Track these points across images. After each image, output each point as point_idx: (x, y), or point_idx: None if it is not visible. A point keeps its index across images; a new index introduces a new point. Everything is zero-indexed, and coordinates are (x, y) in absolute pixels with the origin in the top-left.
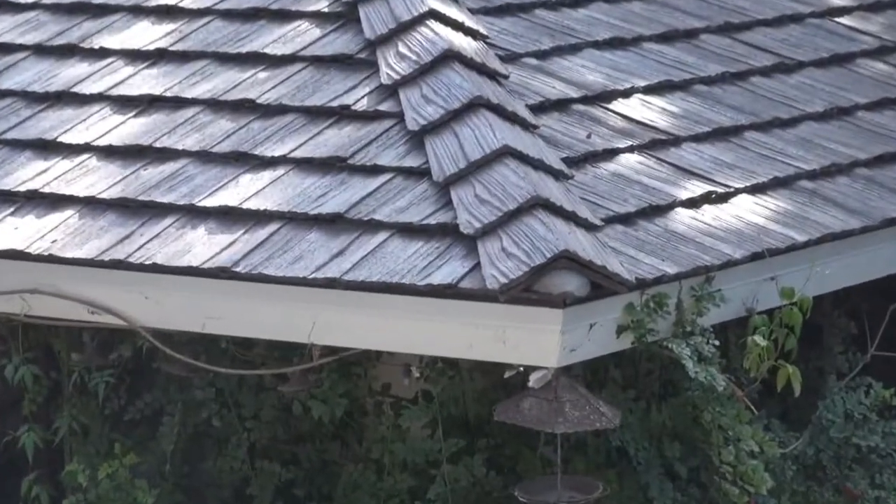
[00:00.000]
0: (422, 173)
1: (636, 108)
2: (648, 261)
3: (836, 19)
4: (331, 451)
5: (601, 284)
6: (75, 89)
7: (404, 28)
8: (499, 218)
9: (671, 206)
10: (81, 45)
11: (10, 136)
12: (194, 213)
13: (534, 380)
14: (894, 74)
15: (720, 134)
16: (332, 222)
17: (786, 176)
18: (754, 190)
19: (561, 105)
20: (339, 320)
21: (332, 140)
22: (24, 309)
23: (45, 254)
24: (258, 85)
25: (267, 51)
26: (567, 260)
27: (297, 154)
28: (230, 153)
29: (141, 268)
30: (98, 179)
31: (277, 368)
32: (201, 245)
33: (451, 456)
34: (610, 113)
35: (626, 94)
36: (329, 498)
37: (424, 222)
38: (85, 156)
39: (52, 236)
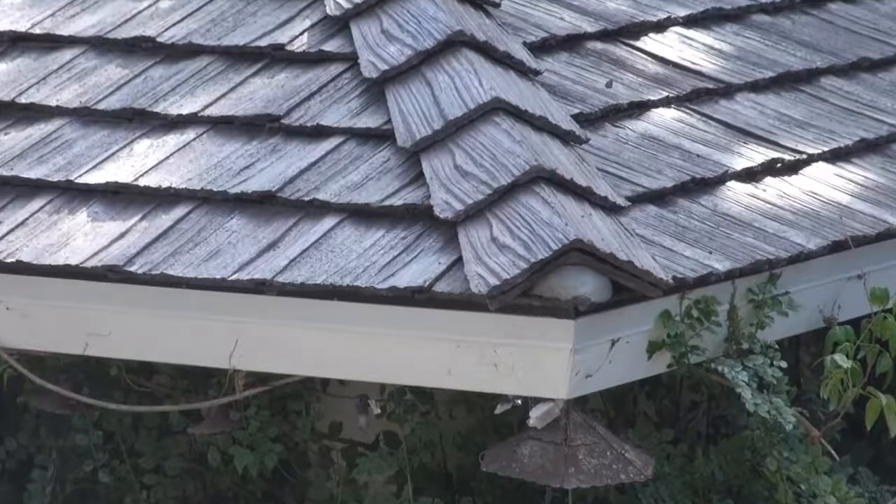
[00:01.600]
0: (382, 137)
1: (673, 45)
2: (691, 254)
3: None
4: None
5: (627, 286)
6: None
7: None
8: (487, 197)
9: (721, 180)
10: None
11: None
12: (73, 193)
13: (536, 416)
14: None
15: (788, 81)
16: (261, 204)
17: (877, 137)
18: (835, 157)
19: (572, 42)
20: (270, 337)
21: (260, 92)
22: None
23: None
24: (159, 18)
25: None
26: (580, 253)
27: (213, 111)
28: (122, 111)
29: (1, 267)
30: None
31: (187, 404)
32: (83, 236)
33: None
34: (638, 53)
35: (660, 27)
36: None
37: (386, 203)
38: None
39: None
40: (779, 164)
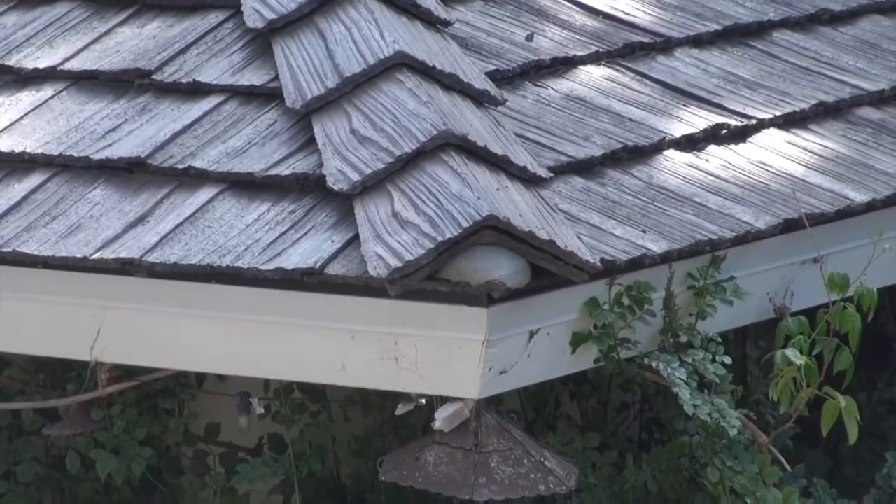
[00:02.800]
0: (268, 96)
1: None
2: (622, 233)
3: None
4: None
5: (548, 270)
6: None
7: None
8: (388, 166)
9: (658, 148)
10: None
11: None
12: None
13: (442, 418)
14: None
15: (735, 35)
16: (129, 172)
17: (837, 101)
18: (788, 122)
19: None
20: (138, 326)
21: (128, 43)
22: None
23: None
24: None
25: None
26: (494, 231)
27: (75, 65)
28: None
29: None
30: None
31: (43, 401)
32: None
33: None
34: (563, 2)
35: None
36: None
37: (272, 172)
38: None
39: None
40: (724, 131)
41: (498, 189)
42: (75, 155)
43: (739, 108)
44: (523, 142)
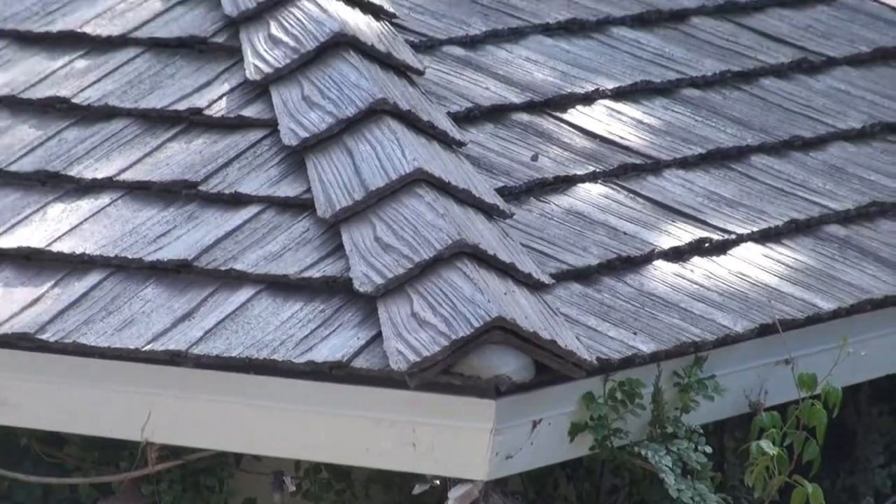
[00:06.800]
0: (302, 206)
1: (601, 119)
2: (615, 334)
3: None
4: None
5: (550, 366)
6: None
7: (279, 1)
8: (408, 271)
9: (648, 259)
10: None
11: None
12: None
13: (454, 498)
14: None
15: (717, 158)
16: (177, 273)
17: (808, 218)
18: (764, 237)
19: (497, 114)
20: (185, 410)
21: (177, 158)
22: None
23: None
24: (74, 78)
25: (87, 30)
26: (502, 332)
27: (129, 176)
28: (34, 173)
29: None
30: None
31: (98, 476)
32: None
33: None
34: (565, 126)
35: (588, 99)
36: None
37: (305, 275)
38: None
39: None
40: (707, 244)
41: (506, 293)
42: (129, 257)
43: (721, 224)
44: (528, 251)
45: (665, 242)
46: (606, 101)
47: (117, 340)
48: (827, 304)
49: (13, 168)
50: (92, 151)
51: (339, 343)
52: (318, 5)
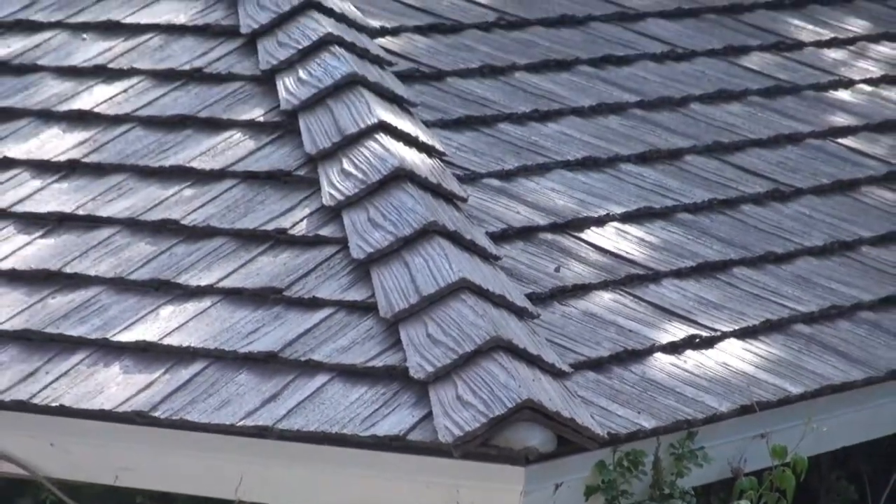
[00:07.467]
0: (367, 308)
1: (611, 238)
2: (622, 413)
3: (840, 140)
4: None
5: (569, 439)
6: None
7: (350, 142)
8: (454, 361)
9: (649, 352)
10: None
11: None
12: (108, 349)
13: None
14: None
15: (706, 270)
16: (265, 362)
17: (779, 319)
18: (743, 334)
19: (526, 233)
20: (270, 474)
21: (265, 268)
22: None
23: None
24: (183, 204)
25: (193, 165)
26: (531, 411)
27: (226, 283)
28: (150, 281)
29: (46, 410)
30: None
31: None
32: (115, 385)
33: None
34: (582, 243)
35: (601, 221)
36: None
37: (369, 364)
38: None
39: None
40: (697, 340)
41: (534, 380)
42: (226, 349)
43: (709, 323)
44: (552, 345)
45: (663, 338)
46: (615, 224)
47: (216, 417)
48: (795, 389)
49: (133, 277)
50: (197, 263)
51: (397, 420)
52: (382, 145)
